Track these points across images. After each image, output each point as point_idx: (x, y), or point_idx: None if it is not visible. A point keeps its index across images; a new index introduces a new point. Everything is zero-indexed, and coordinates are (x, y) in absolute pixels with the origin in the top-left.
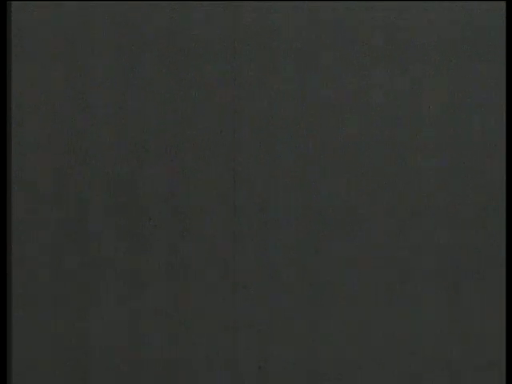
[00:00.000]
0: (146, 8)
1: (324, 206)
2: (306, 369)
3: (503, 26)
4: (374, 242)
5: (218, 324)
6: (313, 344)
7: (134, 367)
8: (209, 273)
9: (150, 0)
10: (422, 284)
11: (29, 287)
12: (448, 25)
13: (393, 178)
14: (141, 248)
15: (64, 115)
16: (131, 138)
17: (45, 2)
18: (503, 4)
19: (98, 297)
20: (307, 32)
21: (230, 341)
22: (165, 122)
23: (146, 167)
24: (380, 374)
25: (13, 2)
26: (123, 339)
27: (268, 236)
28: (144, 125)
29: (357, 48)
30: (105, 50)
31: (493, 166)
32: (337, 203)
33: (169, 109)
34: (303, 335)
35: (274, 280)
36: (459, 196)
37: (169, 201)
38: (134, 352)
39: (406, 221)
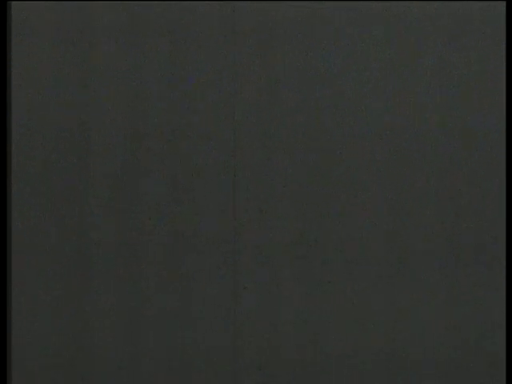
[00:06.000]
0: (146, 5)
1: (324, 204)
2: (306, 369)
3: (503, 25)
4: (373, 236)
5: (218, 324)
6: (313, 344)
7: (133, 366)
8: (209, 273)
9: (150, 0)
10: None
11: (29, 287)
12: (448, 25)
13: (395, 180)
14: (141, 247)
15: (64, 113)
16: (131, 137)
17: (45, 2)
18: (503, 4)
19: (96, 296)
20: (307, 27)
21: (230, 341)
22: (165, 121)
23: (146, 166)
24: (379, 375)
25: (13, 2)
26: (123, 337)
27: (268, 236)
28: (144, 123)
29: (357, 46)
30: (104, 48)
31: (493, 158)
32: (336, 202)
33: (169, 107)
34: (303, 335)
35: (274, 280)
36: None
37: (169, 200)
38: (134, 352)
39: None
